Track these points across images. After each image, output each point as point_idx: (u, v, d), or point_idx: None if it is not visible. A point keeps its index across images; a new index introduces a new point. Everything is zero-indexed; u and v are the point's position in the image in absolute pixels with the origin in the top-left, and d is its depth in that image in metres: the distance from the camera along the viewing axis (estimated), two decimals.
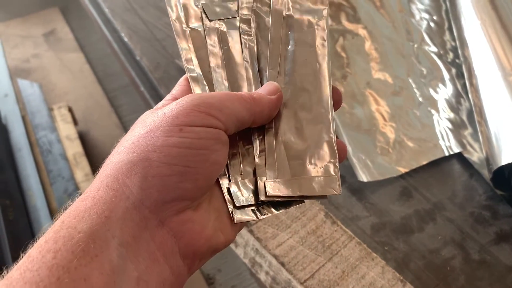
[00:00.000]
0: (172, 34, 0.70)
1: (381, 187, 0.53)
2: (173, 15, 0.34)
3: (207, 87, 0.31)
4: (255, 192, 0.28)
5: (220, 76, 0.32)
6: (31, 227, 1.20)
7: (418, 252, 0.48)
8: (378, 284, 0.41)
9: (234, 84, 0.32)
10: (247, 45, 0.33)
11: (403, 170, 0.54)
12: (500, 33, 0.59)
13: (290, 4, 0.34)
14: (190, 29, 0.33)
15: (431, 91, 0.62)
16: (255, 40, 0.33)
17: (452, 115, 0.60)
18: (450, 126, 0.58)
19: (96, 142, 1.60)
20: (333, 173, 0.29)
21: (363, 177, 0.51)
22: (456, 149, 0.56)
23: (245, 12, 0.34)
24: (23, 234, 1.18)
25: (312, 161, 0.29)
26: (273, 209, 0.29)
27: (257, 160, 0.29)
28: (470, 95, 0.59)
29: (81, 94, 1.74)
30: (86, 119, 1.65)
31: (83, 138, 1.56)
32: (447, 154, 0.56)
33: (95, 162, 1.50)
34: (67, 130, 1.46)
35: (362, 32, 0.68)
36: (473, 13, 0.64)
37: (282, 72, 0.32)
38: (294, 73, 0.32)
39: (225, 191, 0.28)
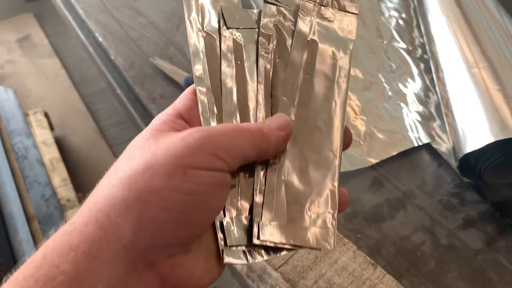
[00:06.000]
0: (147, 34, 0.71)
1: (353, 178, 0.54)
2: (188, 14, 0.31)
3: (214, 105, 0.29)
4: (249, 231, 0.27)
5: (229, 94, 0.29)
6: (7, 234, 1.18)
7: (389, 238, 0.49)
8: (350, 268, 0.42)
9: (243, 105, 0.29)
10: (263, 65, 0.30)
11: (373, 161, 0.55)
12: (464, 29, 0.62)
13: (316, 27, 0.32)
14: (204, 33, 0.30)
15: (400, 85, 0.64)
16: (272, 61, 0.31)
17: (421, 108, 0.62)
18: (419, 118, 0.60)
19: (73, 147, 1.58)
20: (330, 226, 0.28)
21: None
22: (425, 140, 0.58)
23: (266, 26, 0.31)
24: None
25: (311, 209, 0.28)
26: (264, 253, 0.27)
27: (256, 197, 0.28)
28: (437, 88, 0.62)
29: (57, 99, 1.73)
30: (62, 124, 1.64)
31: (60, 143, 1.54)
32: (416, 145, 0.57)
33: (72, 167, 1.49)
34: (43, 135, 1.44)
35: None
36: (439, 10, 0.67)
37: (296, 102, 0.30)
38: (308, 106, 0.30)
39: (217, 224, 0.27)
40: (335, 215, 0.29)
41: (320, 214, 0.28)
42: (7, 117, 1.45)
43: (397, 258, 0.48)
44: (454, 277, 0.47)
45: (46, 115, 1.50)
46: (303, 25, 0.31)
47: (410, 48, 0.69)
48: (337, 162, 0.30)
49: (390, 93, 0.63)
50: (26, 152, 1.38)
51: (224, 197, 0.26)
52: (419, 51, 0.69)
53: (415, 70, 0.66)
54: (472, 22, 0.62)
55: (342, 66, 0.31)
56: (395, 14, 0.74)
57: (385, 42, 0.69)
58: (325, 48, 0.31)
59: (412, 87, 0.64)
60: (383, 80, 0.64)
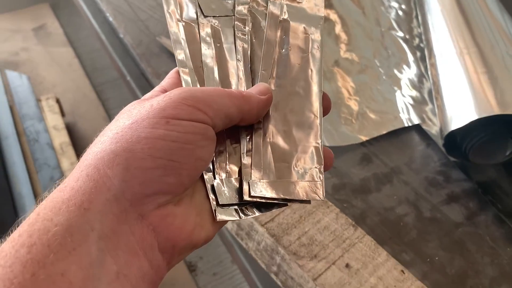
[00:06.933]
0: (155, 15, 0.74)
1: (344, 153, 0.57)
2: (167, 7, 0.33)
3: (197, 83, 0.31)
4: (239, 191, 0.28)
5: (211, 72, 0.31)
6: (16, 214, 1.22)
7: (374, 209, 0.52)
8: (331, 227, 0.45)
9: (224, 81, 0.31)
10: (241, 45, 0.33)
11: (364, 138, 0.58)
12: (459, 17, 0.64)
13: (286, 8, 0.34)
14: (184, 23, 0.33)
15: (396, 71, 0.67)
16: (249, 41, 0.33)
17: (414, 92, 0.64)
18: (411, 102, 0.63)
19: (83, 134, 1.63)
20: (317, 179, 0.29)
21: (326, 142, 0.56)
22: (416, 121, 0.60)
23: (241, 12, 0.34)
24: (8, 221, 1.20)
25: (298, 165, 0.30)
26: (255, 210, 0.29)
27: (243, 159, 0.29)
28: (429, 74, 0.64)
29: (69, 87, 1.77)
30: (73, 111, 1.68)
31: (70, 130, 1.58)
32: (406, 125, 0.60)
33: (81, 152, 1.52)
34: (54, 120, 1.48)
35: (333, 16, 0.72)
36: (436, 0, 0.69)
37: (274, 74, 0.32)
38: (286, 76, 0.32)
39: (208, 187, 0.28)
40: (322, 170, 0.30)
41: (307, 169, 0.29)
42: (20, 102, 1.50)
43: (381, 227, 0.50)
44: (434, 246, 0.49)
45: (57, 101, 1.54)
46: (274, 8, 0.34)
47: (407, 37, 0.72)
48: (318, 121, 0.31)
49: (384, 77, 0.65)
50: (37, 135, 1.42)
51: (209, 150, 0.26)
52: (417, 40, 0.71)
53: (411, 58, 0.69)
54: (466, 11, 0.65)
55: (314, 39, 0.33)
56: (395, 5, 0.76)
57: (383, 29, 0.72)
58: (297, 25, 0.34)
59: (407, 73, 0.67)
60: (378, 64, 0.67)
